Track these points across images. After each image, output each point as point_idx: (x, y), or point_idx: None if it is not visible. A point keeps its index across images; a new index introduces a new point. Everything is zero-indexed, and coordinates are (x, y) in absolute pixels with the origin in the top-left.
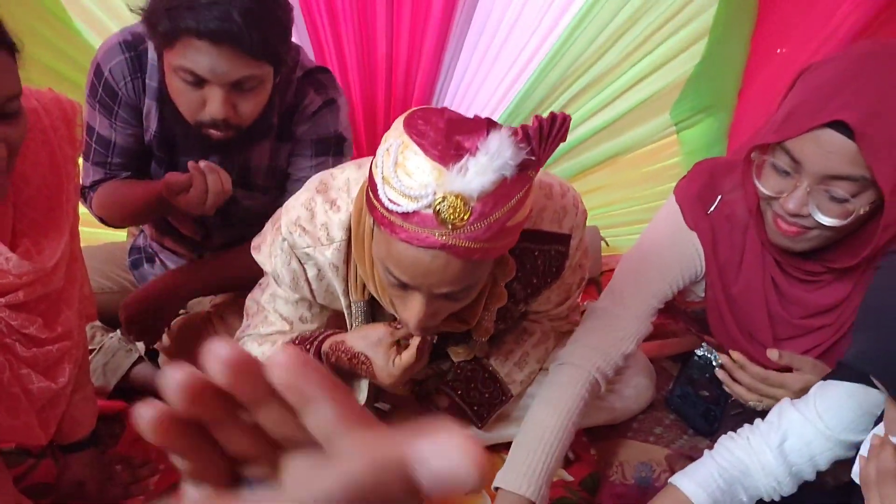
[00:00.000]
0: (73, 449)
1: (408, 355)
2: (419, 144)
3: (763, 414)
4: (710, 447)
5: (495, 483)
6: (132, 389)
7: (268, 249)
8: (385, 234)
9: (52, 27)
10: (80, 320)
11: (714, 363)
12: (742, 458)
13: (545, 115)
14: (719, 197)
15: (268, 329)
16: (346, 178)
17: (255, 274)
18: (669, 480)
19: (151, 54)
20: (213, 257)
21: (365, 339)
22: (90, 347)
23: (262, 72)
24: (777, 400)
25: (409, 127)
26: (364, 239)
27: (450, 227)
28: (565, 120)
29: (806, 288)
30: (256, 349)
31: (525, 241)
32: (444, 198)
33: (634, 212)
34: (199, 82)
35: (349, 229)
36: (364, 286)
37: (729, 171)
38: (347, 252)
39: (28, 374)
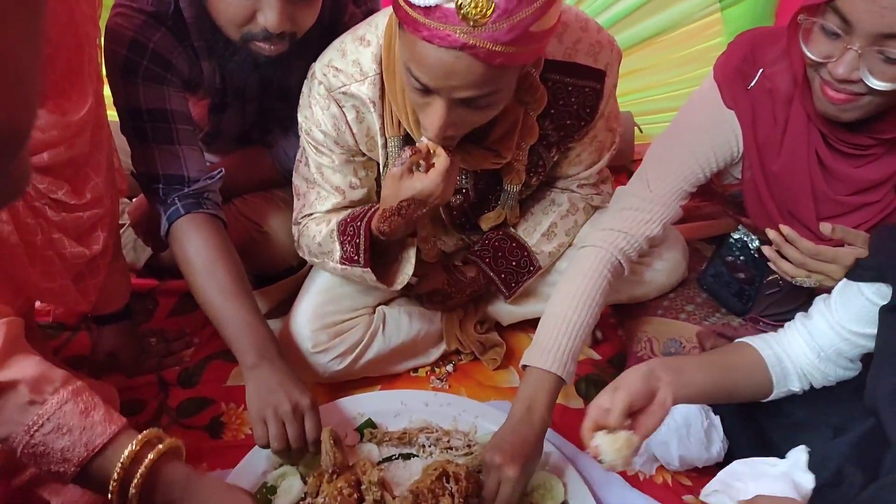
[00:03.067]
0: (106, 321)
1: (440, 161)
2: None
3: (794, 293)
4: (744, 325)
5: (523, 361)
6: (162, 268)
7: (306, 101)
8: (408, 34)
9: None
10: (110, 189)
11: (750, 246)
12: (782, 338)
13: None
14: (761, 70)
15: (323, 205)
16: (372, 19)
17: (252, 183)
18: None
19: (188, 13)
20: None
21: (392, 187)
22: (120, 223)
23: None
24: (829, 276)
25: None
26: (395, 69)
27: (471, 23)
28: None
29: (853, 163)
30: (315, 228)
31: (559, 73)
32: None
33: (671, 97)
34: None
35: (381, 63)
36: (399, 121)
37: (773, 42)
38: (382, 86)
39: (60, 238)
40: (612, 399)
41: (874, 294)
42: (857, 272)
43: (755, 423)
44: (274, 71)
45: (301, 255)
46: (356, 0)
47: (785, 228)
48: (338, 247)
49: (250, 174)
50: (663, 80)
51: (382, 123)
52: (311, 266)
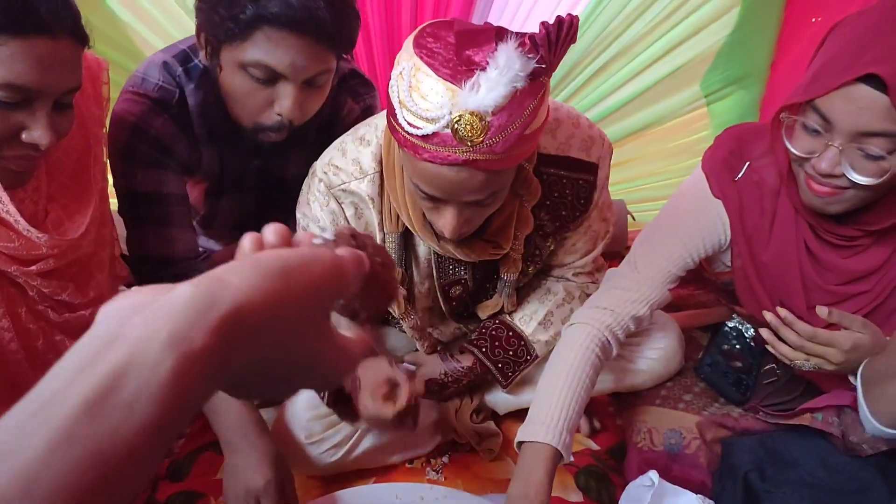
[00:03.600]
0: None
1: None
2: (430, 66)
3: (793, 383)
4: (744, 415)
5: (517, 439)
6: None
7: (305, 198)
8: (410, 155)
9: None
10: (112, 282)
11: (745, 334)
12: None
13: (575, 84)
14: (747, 163)
15: None
16: (372, 120)
17: None
18: None
19: (193, 100)
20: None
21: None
22: None
23: (332, 66)
24: (826, 359)
25: (419, 47)
26: (395, 168)
27: (469, 143)
28: (572, 22)
29: (841, 253)
30: None
31: (553, 166)
32: (459, 117)
33: (662, 186)
34: (271, 79)
35: (381, 161)
36: (398, 218)
37: (757, 137)
38: (381, 184)
39: (62, 340)
40: None
41: None
42: None
43: None
44: (272, 161)
45: None
46: (354, 96)
47: (783, 311)
48: None
49: None
50: (654, 170)
51: (381, 220)
52: None
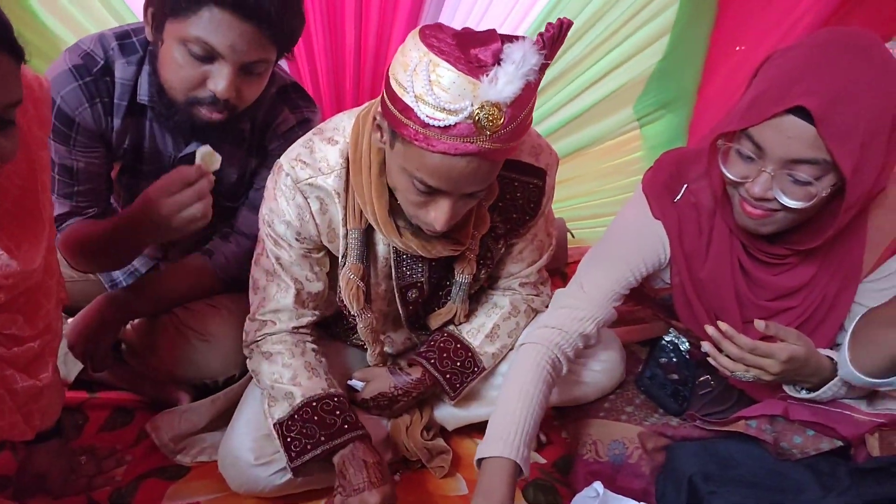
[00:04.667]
0: (37, 440)
1: None
2: (448, 61)
3: (727, 393)
4: (683, 424)
5: (477, 456)
6: (94, 381)
7: (271, 193)
8: (417, 149)
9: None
10: (57, 309)
11: (681, 348)
12: None
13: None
14: (685, 186)
15: (284, 298)
16: (336, 122)
17: (193, 293)
18: None
19: (122, 72)
20: (146, 281)
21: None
22: None
23: (271, 58)
24: (764, 370)
25: (430, 45)
26: (362, 167)
27: (488, 132)
28: (569, 25)
29: (772, 271)
30: (276, 367)
31: (506, 169)
32: (482, 107)
33: (598, 205)
34: (208, 58)
35: (347, 159)
36: (361, 214)
37: (694, 160)
38: (347, 180)
39: (12, 374)
40: None
41: None
42: None
43: None
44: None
45: (247, 357)
46: (292, 107)
47: (723, 325)
48: (286, 415)
49: (191, 283)
50: (590, 189)
51: (345, 215)
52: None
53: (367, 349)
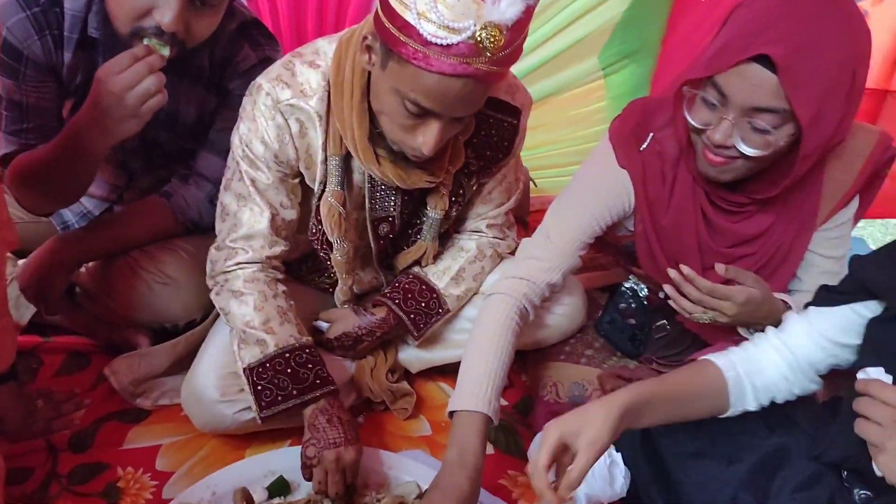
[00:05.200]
0: None
1: None
2: None
3: (681, 337)
4: (639, 367)
5: (449, 408)
6: (47, 324)
7: (249, 114)
8: (414, 69)
9: None
10: (1, 251)
11: (640, 294)
12: (751, 349)
13: None
14: (651, 134)
15: (258, 223)
16: (316, 46)
17: (150, 235)
18: (699, 358)
19: (71, 4)
20: (99, 223)
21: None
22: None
23: None
24: (722, 312)
25: None
26: (344, 91)
27: (489, 54)
28: None
29: (732, 219)
30: (246, 309)
31: (482, 105)
32: (484, 27)
33: (561, 154)
34: None
35: (329, 82)
36: (341, 140)
37: (660, 108)
38: (328, 104)
39: None
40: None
41: (862, 307)
42: (836, 297)
43: (655, 456)
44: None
45: (213, 292)
46: (253, 44)
47: (685, 268)
48: (257, 359)
49: (149, 225)
50: (554, 138)
51: (326, 140)
52: (216, 317)
53: (332, 291)
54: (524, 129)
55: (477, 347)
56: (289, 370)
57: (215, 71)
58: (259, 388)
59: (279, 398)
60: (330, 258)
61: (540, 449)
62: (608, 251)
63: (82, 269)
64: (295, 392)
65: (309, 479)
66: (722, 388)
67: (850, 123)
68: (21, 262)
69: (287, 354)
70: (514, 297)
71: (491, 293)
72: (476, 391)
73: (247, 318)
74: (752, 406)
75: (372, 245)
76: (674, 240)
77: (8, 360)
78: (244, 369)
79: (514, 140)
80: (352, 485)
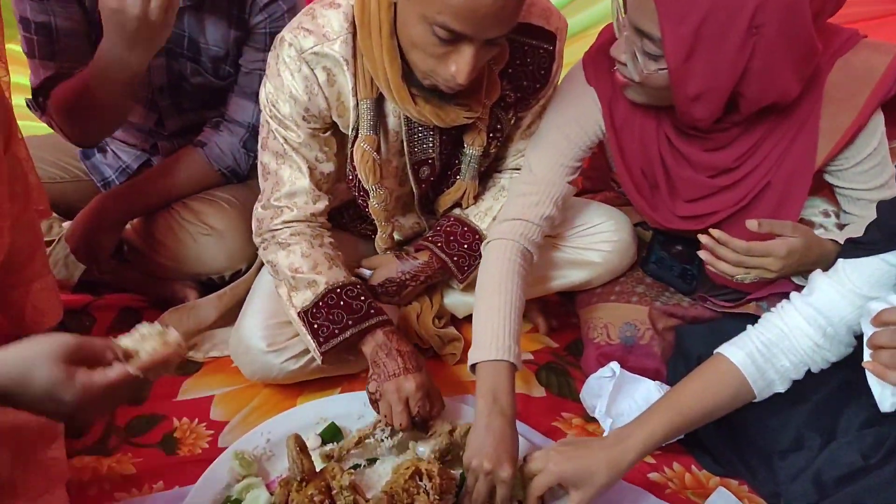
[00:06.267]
0: None
1: None
2: None
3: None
4: (693, 304)
5: (469, 362)
6: (98, 283)
7: (274, 70)
8: None
9: None
10: (24, 210)
11: None
12: (777, 323)
13: None
14: None
15: (299, 180)
16: None
17: (190, 186)
18: (717, 351)
19: None
20: (140, 178)
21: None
22: (49, 239)
23: None
24: (766, 269)
25: None
26: (371, 29)
27: None
28: None
29: (701, 146)
30: (292, 258)
31: (515, 32)
32: None
33: None
34: None
35: (353, 23)
36: (372, 81)
37: None
38: (354, 46)
39: None
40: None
41: (893, 256)
42: (864, 248)
43: None
44: (184, 20)
45: (261, 248)
46: None
47: (716, 231)
48: (309, 301)
49: (187, 176)
50: None
51: (355, 84)
52: (261, 265)
53: (374, 237)
54: (561, 55)
55: (485, 297)
56: (342, 303)
57: (235, 6)
58: (315, 326)
59: (335, 332)
60: (368, 205)
61: (534, 485)
62: (611, 190)
63: (128, 227)
64: (350, 322)
65: (378, 412)
66: (741, 385)
67: (782, 84)
68: (67, 223)
69: (339, 290)
70: (512, 240)
71: (488, 241)
72: (492, 340)
73: (295, 265)
74: (781, 388)
75: (414, 190)
76: (645, 170)
77: (55, 316)
78: (298, 314)
79: (550, 68)
80: (421, 415)
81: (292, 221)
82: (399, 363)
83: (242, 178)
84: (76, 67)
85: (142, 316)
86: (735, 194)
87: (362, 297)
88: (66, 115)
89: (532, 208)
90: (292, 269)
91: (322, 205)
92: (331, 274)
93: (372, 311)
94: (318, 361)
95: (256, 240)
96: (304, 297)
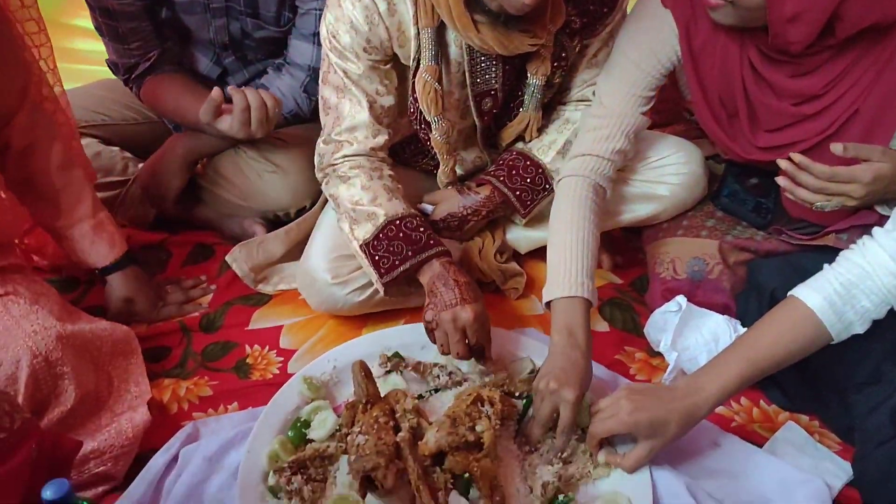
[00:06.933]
0: (108, 271)
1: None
2: None
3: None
4: (767, 238)
5: (545, 299)
6: (175, 220)
7: (335, 0)
8: None
9: None
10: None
11: None
12: (858, 262)
13: None
14: None
15: (359, 114)
16: None
17: None
18: (789, 293)
19: None
20: None
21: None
22: (122, 178)
23: None
24: (849, 196)
25: None
26: None
27: None
28: None
29: (786, 71)
30: (353, 191)
31: None
32: None
33: None
34: None
35: None
36: (433, 9)
37: None
38: None
39: None
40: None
41: None
42: None
43: None
44: None
45: (323, 182)
46: None
47: (796, 156)
48: (370, 234)
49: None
50: None
51: (416, 12)
52: (325, 202)
53: (435, 172)
54: None
55: (559, 234)
56: (401, 235)
57: None
58: (376, 258)
59: (396, 263)
60: (430, 139)
61: (601, 429)
62: (681, 122)
63: (198, 167)
64: (410, 253)
65: (434, 343)
66: (818, 331)
67: (885, 3)
68: (141, 165)
69: (398, 221)
70: (584, 177)
71: (560, 177)
72: (568, 276)
73: (355, 197)
74: (861, 329)
75: (476, 123)
76: (725, 97)
77: (118, 248)
78: (360, 246)
79: None
80: (479, 345)
81: (352, 156)
82: (456, 293)
83: (305, 120)
84: (144, 49)
85: (215, 250)
86: (820, 123)
87: (421, 229)
88: (150, 105)
89: (603, 142)
90: (352, 201)
91: (382, 139)
92: (390, 206)
93: (431, 241)
94: (381, 293)
95: (318, 175)
96: (365, 230)
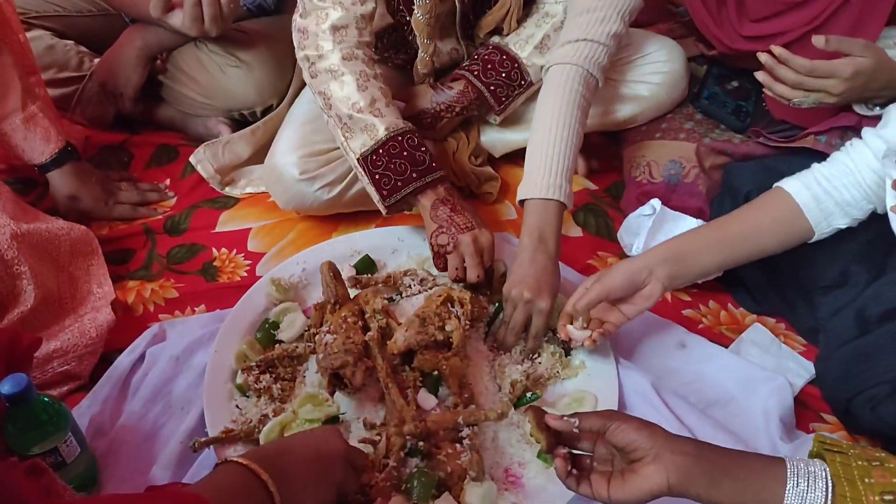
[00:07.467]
0: (48, 168)
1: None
2: None
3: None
4: (745, 141)
5: (519, 196)
6: (136, 120)
7: None
8: None
9: None
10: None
11: None
12: (843, 159)
13: None
14: None
15: (329, 20)
16: None
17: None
18: (775, 185)
19: None
20: None
21: None
22: (78, 74)
23: None
24: (828, 92)
25: None
26: None
27: None
28: None
29: None
30: (339, 93)
31: None
32: None
33: None
34: None
35: None
36: None
37: None
38: None
39: None
40: (587, 289)
41: None
42: None
43: None
44: None
45: (306, 72)
46: None
47: (777, 49)
48: (369, 147)
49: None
50: None
51: None
52: (293, 101)
53: (409, 68)
54: None
55: (541, 127)
56: (405, 153)
57: None
58: (377, 176)
59: (398, 184)
60: (410, 21)
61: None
62: (667, 19)
63: (158, 63)
64: (415, 175)
65: (442, 269)
66: (794, 214)
67: None
68: (97, 60)
69: (399, 137)
70: (575, 65)
71: (549, 65)
72: (546, 176)
73: (352, 99)
74: (842, 223)
75: (457, 4)
76: None
77: (55, 143)
78: (357, 160)
79: None
80: (490, 269)
81: (340, 27)
82: (467, 217)
83: (270, 13)
84: None
85: (179, 152)
86: (807, 13)
87: (423, 148)
88: None
89: (597, 25)
90: (349, 104)
91: (370, 6)
92: (388, 115)
93: (434, 163)
94: (336, 191)
95: (301, 62)
96: (363, 143)
